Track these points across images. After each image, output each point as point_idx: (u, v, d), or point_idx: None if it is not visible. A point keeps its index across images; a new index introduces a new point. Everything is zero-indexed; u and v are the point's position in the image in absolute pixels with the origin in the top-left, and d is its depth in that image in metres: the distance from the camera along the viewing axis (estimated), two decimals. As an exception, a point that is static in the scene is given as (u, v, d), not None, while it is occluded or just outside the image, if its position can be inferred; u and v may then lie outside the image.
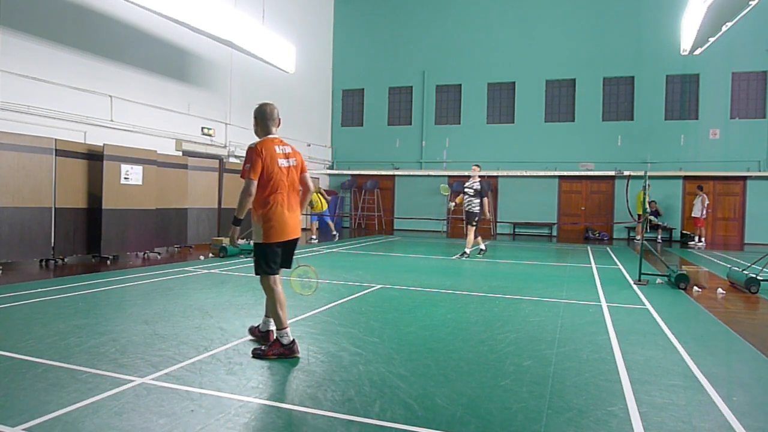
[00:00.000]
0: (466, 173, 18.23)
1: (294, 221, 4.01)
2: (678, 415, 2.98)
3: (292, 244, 4.10)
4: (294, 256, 4.22)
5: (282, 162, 3.92)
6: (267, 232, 3.89)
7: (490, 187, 10.78)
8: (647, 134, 18.37)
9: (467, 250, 11.04)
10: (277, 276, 4.02)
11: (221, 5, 11.99)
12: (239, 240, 10.59)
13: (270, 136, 4.00)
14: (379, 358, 3.93)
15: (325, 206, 14.31)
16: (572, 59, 19.16)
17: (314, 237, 14.41)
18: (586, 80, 19.08)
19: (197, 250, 11.54)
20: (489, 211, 11.05)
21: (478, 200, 10.92)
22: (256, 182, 3.81)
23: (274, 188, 3.87)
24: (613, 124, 18.83)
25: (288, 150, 4.02)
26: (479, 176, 11.19)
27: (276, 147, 3.93)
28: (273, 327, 4.08)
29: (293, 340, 3.93)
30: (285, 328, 3.92)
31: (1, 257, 7.78)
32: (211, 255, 10.35)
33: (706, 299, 6.79)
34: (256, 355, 3.91)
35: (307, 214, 14.99)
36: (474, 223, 11.02)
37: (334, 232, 14.71)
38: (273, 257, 3.95)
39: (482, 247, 11.67)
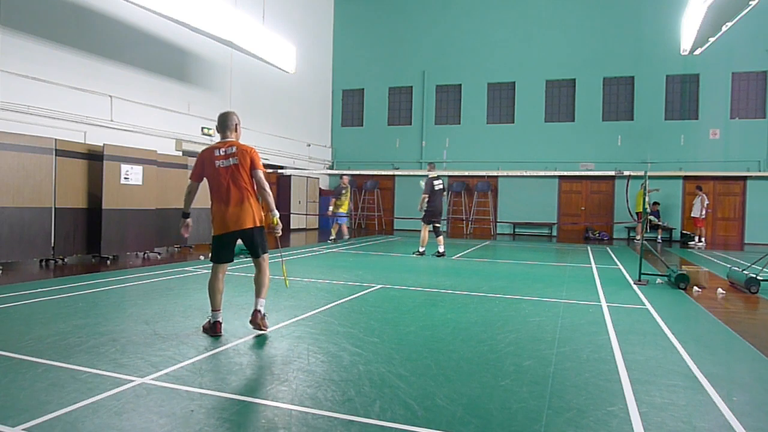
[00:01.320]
0: (467, 173, 18.35)
1: (234, 215, 4.40)
2: (678, 415, 2.98)
3: (244, 235, 4.50)
4: (257, 245, 4.57)
5: (220, 163, 4.40)
6: (212, 225, 4.56)
7: (432, 186, 11.11)
8: (647, 134, 18.38)
9: (420, 249, 11.22)
10: (221, 266, 4.56)
11: (221, 5, 11.99)
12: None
13: (221, 140, 4.52)
14: (379, 358, 3.93)
15: (345, 208, 13.97)
16: (572, 59, 19.16)
17: (333, 237, 14.20)
18: (586, 80, 19.08)
19: (197, 250, 11.54)
20: (420, 208, 11.17)
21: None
22: (193, 182, 4.56)
23: (212, 188, 4.47)
24: (613, 124, 18.83)
25: (232, 150, 4.41)
26: (437, 175, 11.32)
27: (216, 150, 4.42)
28: (260, 307, 4.53)
29: (215, 322, 4.46)
30: (216, 310, 4.49)
31: (1, 257, 7.78)
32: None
33: (706, 299, 6.79)
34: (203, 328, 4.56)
35: (327, 215, 14.42)
36: (424, 221, 11.21)
37: (346, 236, 14.24)
38: (217, 247, 4.55)
39: (440, 249, 11.18)
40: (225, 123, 4.52)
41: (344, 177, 14.04)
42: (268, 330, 4.63)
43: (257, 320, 4.48)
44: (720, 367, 3.96)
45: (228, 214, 4.40)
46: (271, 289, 6.81)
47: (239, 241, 4.60)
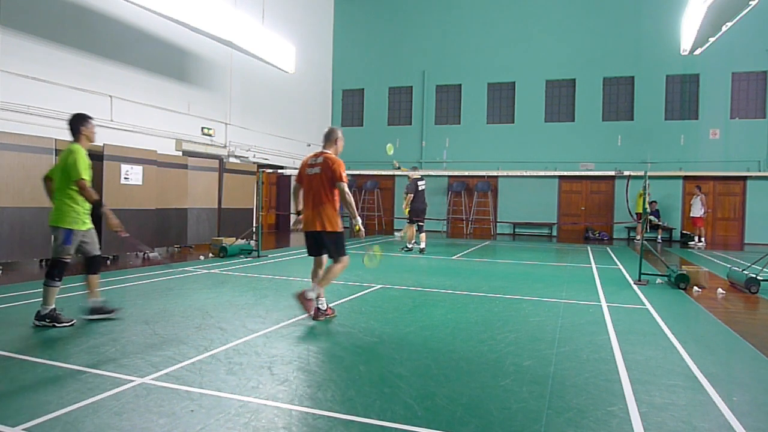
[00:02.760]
0: (467, 173, 18.34)
1: (309, 217, 4.95)
2: (678, 415, 2.98)
3: (319, 237, 4.95)
4: (328, 249, 5.02)
5: (308, 170, 4.98)
6: None
7: (412, 187, 11.84)
8: (647, 134, 18.37)
9: (408, 245, 12.06)
10: (313, 258, 5.15)
11: (221, 5, 11.99)
12: (239, 240, 10.64)
13: (320, 150, 5.06)
14: (379, 358, 3.93)
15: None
16: (572, 59, 19.16)
17: (408, 240, 14.07)
18: (586, 80, 19.08)
19: (197, 250, 11.54)
20: (405, 207, 12.00)
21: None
22: (296, 184, 5.15)
23: (304, 191, 5.05)
24: (613, 124, 18.82)
25: (319, 160, 4.93)
26: (420, 176, 11.97)
27: (310, 159, 5.03)
28: (309, 290, 4.97)
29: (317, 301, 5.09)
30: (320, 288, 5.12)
31: (1, 257, 7.78)
32: (211, 255, 10.35)
33: (706, 299, 6.79)
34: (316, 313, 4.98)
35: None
36: (409, 220, 11.99)
37: (421, 244, 13.93)
38: (306, 244, 5.15)
39: (422, 245, 11.88)
40: (326, 136, 5.09)
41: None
42: (269, 330, 4.64)
43: (298, 296, 4.92)
44: (720, 367, 3.96)
45: (306, 215, 5.00)
46: (272, 289, 6.82)
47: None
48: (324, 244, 4.99)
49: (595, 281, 8.13)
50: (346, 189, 4.85)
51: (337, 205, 4.95)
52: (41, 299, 4.70)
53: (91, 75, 11.24)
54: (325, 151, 5.00)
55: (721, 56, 17.11)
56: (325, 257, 5.15)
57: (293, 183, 5.20)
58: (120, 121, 11.83)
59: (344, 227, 5.10)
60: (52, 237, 4.77)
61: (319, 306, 5.01)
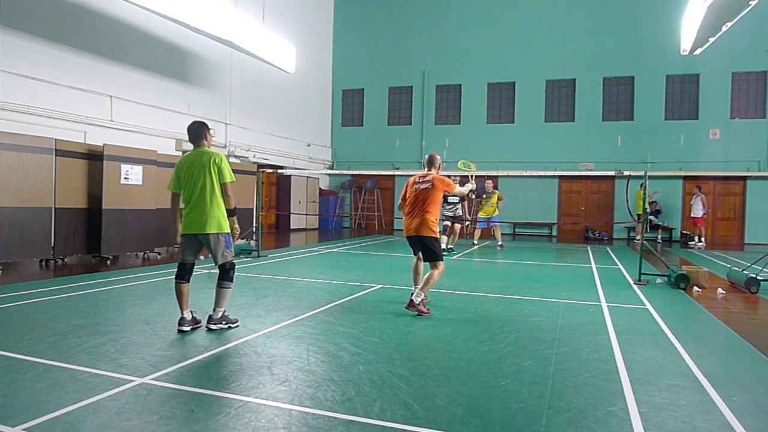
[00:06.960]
0: (467, 173, 18.31)
1: (412, 224, 5.68)
2: (678, 415, 2.98)
3: (419, 240, 5.68)
4: (423, 251, 5.70)
5: (416, 186, 5.79)
6: None
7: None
8: (647, 134, 18.37)
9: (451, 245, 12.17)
10: (415, 258, 5.98)
11: (221, 5, 11.98)
12: (239, 240, 10.63)
13: (425, 172, 5.92)
14: (379, 358, 3.93)
15: (490, 212, 13.49)
16: (572, 59, 19.15)
17: (475, 242, 13.93)
18: (586, 80, 19.07)
19: (197, 250, 11.52)
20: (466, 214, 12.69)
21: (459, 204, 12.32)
22: (401, 201, 6.00)
23: (408, 204, 5.82)
24: (613, 124, 18.82)
25: (428, 179, 5.76)
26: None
27: (417, 178, 5.89)
28: (414, 296, 5.47)
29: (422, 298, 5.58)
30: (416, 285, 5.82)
31: (1, 257, 7.78)
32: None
33: (706, 299, 6.79)
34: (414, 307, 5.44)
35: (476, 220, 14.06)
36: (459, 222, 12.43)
37: (500, 243, 13.72)
38: (410, 245, 5.91)
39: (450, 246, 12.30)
40: (430, 162, 5.97)
41: (488, 181, 13.84)
42: (269, 330, 4.64)
43: (409, 306, 5.42)
44: (720, 367, 3.96)
45: (407, 222, 5.76)
46: (272, 289, 6.82)
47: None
48: (422, 247, 5.69)
49: (595, 281, 8.13)
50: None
51: (438, 215, 5.78)
52: (214, 304, 4.73)
53: (91, 75, 11.24)
54: (430, 172, 5.87)
55: (721, 56, 17.11)
56: (422, 264, 5.85)
57: (397, 201, 6.29)
58: (120, 121, 11.83)
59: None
60: (214, 244, 4.65)
61: (413, 298, 5.49)
